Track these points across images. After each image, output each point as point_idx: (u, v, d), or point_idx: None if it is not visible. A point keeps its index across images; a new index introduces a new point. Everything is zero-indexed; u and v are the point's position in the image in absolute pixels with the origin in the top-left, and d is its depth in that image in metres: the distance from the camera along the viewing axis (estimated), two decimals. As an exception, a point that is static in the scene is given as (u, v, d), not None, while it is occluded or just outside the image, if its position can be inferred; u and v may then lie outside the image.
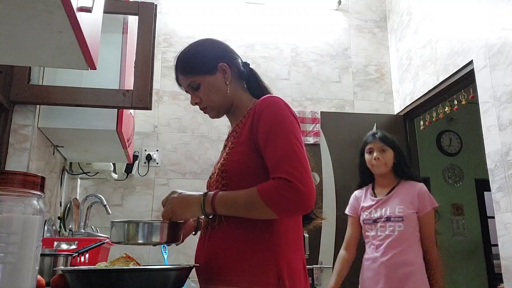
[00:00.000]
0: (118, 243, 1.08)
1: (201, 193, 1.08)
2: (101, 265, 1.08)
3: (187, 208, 1.08)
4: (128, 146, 2.46)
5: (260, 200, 1.00)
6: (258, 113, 1.10)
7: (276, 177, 1.01)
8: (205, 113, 1.25)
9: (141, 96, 1.93)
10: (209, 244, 1.12)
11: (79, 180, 3.11)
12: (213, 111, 1.24)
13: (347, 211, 2.30)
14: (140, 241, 1.07)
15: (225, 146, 1.23)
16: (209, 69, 1.20)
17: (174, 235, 1.10)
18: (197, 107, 1.24)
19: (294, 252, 1.11)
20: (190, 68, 1.21)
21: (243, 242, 1.07)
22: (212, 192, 1.07)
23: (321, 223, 1.24)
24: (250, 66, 1.29)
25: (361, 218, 2.19)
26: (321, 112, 3.43)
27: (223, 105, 1.22)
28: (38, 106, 2.01)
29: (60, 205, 2.54)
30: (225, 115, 1.28)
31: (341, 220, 3.21)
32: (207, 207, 1.05)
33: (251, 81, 1.28)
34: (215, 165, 1.25)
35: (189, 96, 1.24)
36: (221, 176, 1.12)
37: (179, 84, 1.26)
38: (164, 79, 3.46)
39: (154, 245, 1.11)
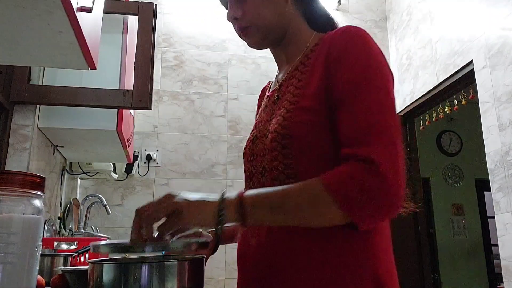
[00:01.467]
0: None
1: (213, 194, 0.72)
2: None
3: (201, 214, 0.69)
4: (128, 146, 2.46)
5: (327, 197, 0.66)
6: (337, 52, 0.76)
7: (351, 156, 0.68)
8: (242, 36, 0.88)
9: (141, 96, 1.94)
10: (269, 240, 0.79)
11: (79, 180, 3.11)
12: (258, 34, 0.86)
13: None
14: None
15: (277, 98, 0.86)
16: None
17: (197, 277, 0.70)
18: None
19: (390, 253, 0.79)
20: None
21: (325, 241, 0.74)
22: (237, 192, 0.71)
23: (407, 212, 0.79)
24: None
25: None
26: (321, 112, 3.42)
27: (274, 29, 0.86)
28: (38, 106, 2.01)
29: (60, 205, 2.54)
30: (269, 49, 0.92)
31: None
32: (230, 212, 0.68)
33: (312, 7, 0.90)
34: (257, 125, 0.90)
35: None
36: (281, 144, 0.77)
37: None
38: (164, 79, 3.46)
39: None
